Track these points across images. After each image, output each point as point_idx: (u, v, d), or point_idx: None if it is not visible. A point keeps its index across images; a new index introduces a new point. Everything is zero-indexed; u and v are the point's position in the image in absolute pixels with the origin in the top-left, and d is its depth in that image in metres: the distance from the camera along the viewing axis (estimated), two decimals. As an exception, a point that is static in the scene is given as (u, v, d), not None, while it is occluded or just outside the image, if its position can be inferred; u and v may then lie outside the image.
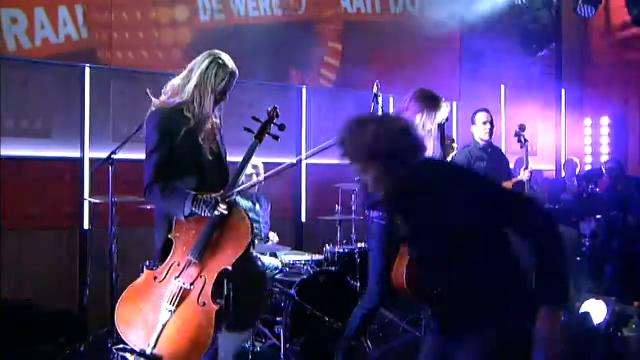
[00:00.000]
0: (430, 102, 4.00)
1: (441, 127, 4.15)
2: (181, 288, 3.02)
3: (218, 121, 3.34)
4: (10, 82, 5.15)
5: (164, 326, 3.00)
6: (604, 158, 8.92)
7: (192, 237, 3.09)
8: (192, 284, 3.03)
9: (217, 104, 3.28)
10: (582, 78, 8.97)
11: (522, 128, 5.61)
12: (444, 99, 4.07)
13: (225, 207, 3.02)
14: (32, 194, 5.22)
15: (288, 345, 4.54)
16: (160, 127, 3.12)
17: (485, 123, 5.47)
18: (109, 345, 4.70)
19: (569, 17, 8.31)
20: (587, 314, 4.77)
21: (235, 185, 3.15)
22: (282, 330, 4.51)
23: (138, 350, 3.02)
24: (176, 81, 3.23)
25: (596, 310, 4.93)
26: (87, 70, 5.46)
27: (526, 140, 5.57)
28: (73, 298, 5.37)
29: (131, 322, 3.06)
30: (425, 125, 3.95)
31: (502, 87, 8.26)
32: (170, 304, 3.01)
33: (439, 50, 7.48)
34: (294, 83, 6.59)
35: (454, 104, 7.73)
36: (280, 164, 6.51)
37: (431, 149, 4.02)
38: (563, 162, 8.96)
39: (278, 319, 4.66)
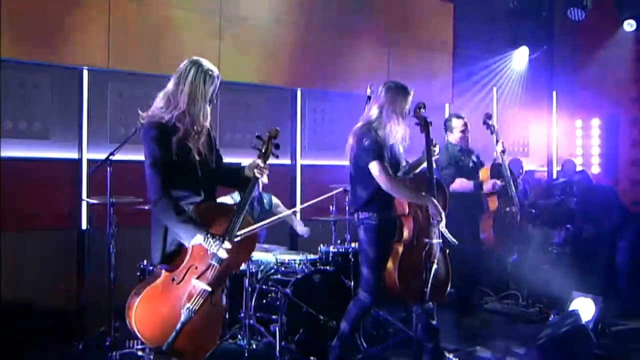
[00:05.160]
0: (400, 90, 4.19)
1: (425, 128, 4.25)
2: (204, 290, 3.15)
3: (208, 126, 3.39)
4: (8, 83, 5.21)
5: (183, 324, 3.12)
6: (595, 159, 9.03)
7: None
8: (211, 286, 3.18)
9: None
10: (573, 80, 9.08)
11: (489, 116, 5.86)
12: (410, 88, 4.23)
13: (230, 247, 3.14)
14: (30, 194, 5.27)
15: (283, 343, 4.61)
16: (157, 138, 3.19)
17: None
18: (107, 343, 4.77)
19: (560, 20, 8.41)
20: (575, 311, 4.87)
21: (237, 223, 3.22)
22: (277, 328, 4.59)
23: (154, 347, 3.15)
24: (167, 93, 3.29)
25: (585, 308, 5.03)
26: (85, 72, 5.53)
27: (494, 126, 5.84)
28: (71, 297, 5.43)
29: (149, 321, 3.15)
30: (398, 112, 4.13)
31: (494, 89, 8.36)
32: (192, 304, 3.13)
33: (431, 52, 7.58)
34: (288, 84, 6.66)
35: (447, 105, 7.82)
36: (275, 165, 6.60)
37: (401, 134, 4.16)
38: (555, 162, 9.07)
39: (274, 317, 4.74)
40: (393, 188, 4.07)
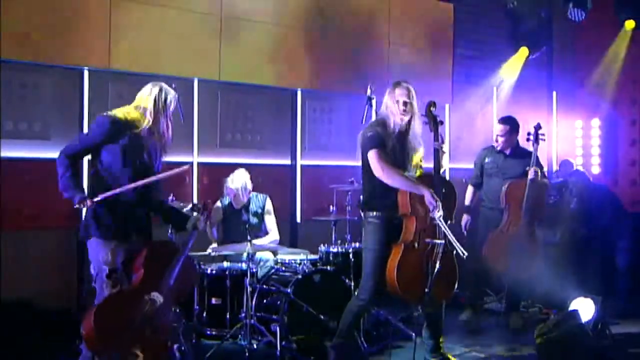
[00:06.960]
0: (392, 86, 4.32)
1: (435, 126, 4.25)
2: (158, 302, 3.71)
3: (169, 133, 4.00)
4: (9, 84, 5.21)
5: (141, 332, 3.63)
6: (595, 160, 9.03)
7: (160, 269, 3.80)
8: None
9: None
10: (573, 80, 9.07)
11: (538, 126, 5.80)
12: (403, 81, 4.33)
13: (89, 204, 3.70)
14: (30, 194, 5.28)
15: (284, 343, 4.63)
16: (104, 130, 3.80)
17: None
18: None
19: (559, 20, 8.42)
20: (575, 311, 4.88)
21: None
22: (278, 328, 4.61)
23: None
24: (136, 104, 3.92)
25: (584, 308, 5.04)
26: (86, 73, 5.54)
27: (540, 140, 5.72)
28: (71, 296, 5.44)
29: (110, 336, 3.58)
30: (391, 106, 4.22)
31: (494, 89, 8.37)
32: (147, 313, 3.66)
33: (431, 52, 7.59)
34: (288, 85, 6.67)
35: (447, 106, 7.82)
36: (275, 165, 6.67)
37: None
38: (554, 163, 9.07)
39: (274, 316, 4.76)
40: (385, 175, 4.07)
